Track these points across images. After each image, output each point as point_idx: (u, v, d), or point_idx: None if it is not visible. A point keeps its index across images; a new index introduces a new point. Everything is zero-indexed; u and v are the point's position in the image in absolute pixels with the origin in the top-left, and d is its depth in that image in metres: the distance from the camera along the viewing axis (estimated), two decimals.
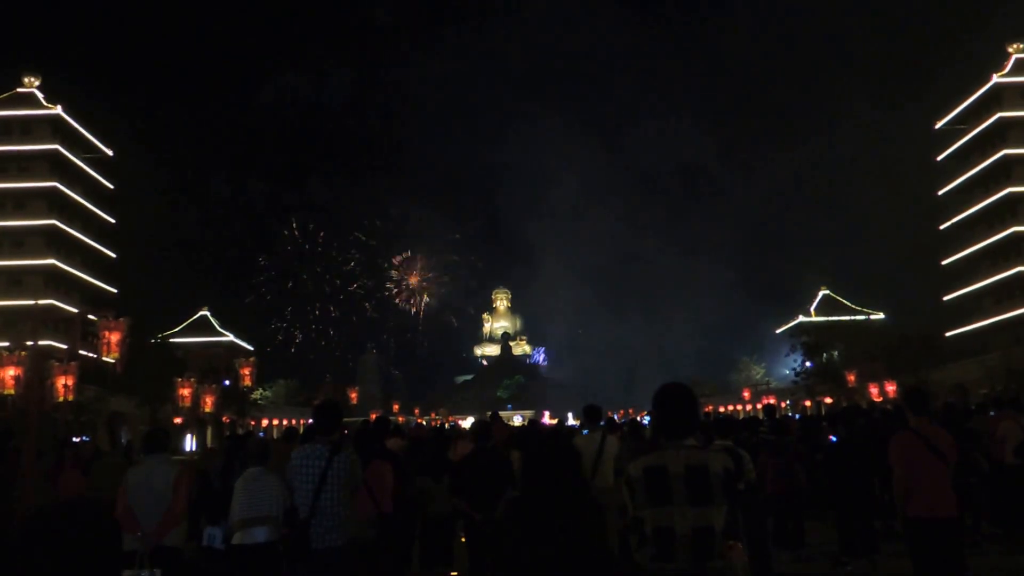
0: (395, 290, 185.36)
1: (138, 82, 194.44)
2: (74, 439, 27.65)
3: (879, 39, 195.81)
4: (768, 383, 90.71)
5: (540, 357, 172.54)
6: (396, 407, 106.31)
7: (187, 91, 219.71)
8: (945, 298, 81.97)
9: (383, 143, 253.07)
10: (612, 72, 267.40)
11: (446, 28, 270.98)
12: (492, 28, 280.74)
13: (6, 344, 31.16)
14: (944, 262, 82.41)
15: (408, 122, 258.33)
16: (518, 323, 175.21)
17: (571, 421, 49.80)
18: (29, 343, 25.25)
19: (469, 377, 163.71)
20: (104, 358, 24.12)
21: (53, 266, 72.40)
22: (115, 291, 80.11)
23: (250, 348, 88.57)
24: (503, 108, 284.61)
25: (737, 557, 4.68)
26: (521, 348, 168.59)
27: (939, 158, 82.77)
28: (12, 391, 26.58)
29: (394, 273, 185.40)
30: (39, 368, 24.32)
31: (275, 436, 50.22)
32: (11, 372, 26.66)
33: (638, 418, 32.82)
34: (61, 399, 27.36)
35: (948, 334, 76.90)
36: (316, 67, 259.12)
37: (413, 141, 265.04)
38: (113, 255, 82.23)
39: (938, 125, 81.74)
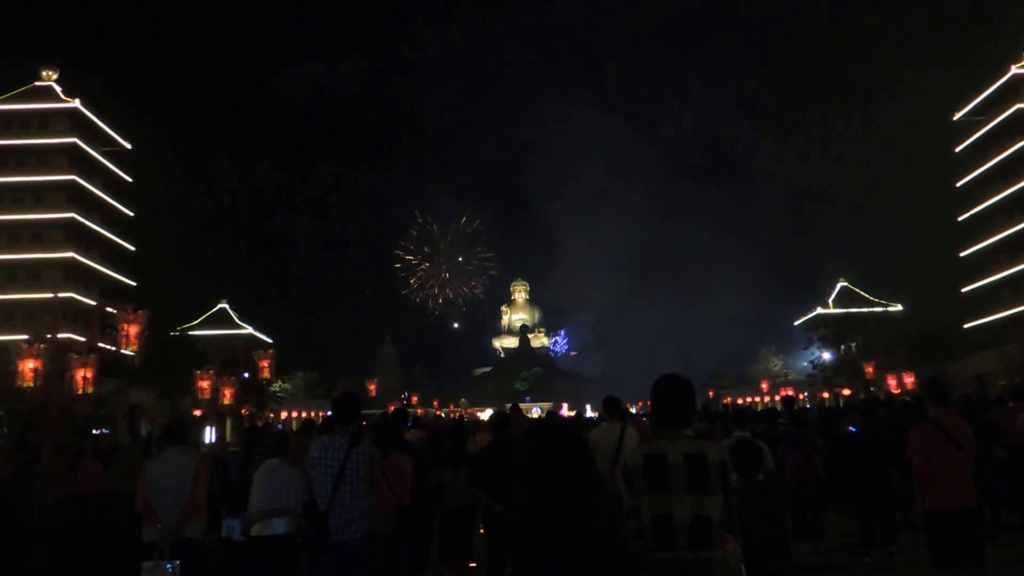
0: (419, 268, 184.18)
1: (154, 73, 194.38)
2: (94, 431, 27.80)
3: (903, 25, 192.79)
4: (786, 375, 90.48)
5: (560, 344, 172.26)
6: (415, 399, 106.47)
7: (201, 81, 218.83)
8: (964, 290, 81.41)
9: (399, 128, 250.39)
10: (639, 46, 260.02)
11: (463, 3, 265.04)
12: (512, 2, 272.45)
13: (26, 337, 31.30)
14: (963, 254, 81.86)
15: (425, 105, 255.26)
16: (536, 315, 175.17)
17: (589, 413, 49.74)
18: (49, 336, 25.38)
19: (488, 369, 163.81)
20: (123, 351, 24.25)
21: (72, 259, 72.74)
22: (134, 284, 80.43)
23: (269, 340, 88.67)
24: (524, 86, 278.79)
25: (731, 550, 4.71)
26: (539, 340, 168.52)
27: (958, 149, 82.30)
28: (32, 384, 26.65)
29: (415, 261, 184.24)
30: (59, 361, 24.44)
31: (294, 428, 50.28)
32: (31, 365, 26.70)
33: None
34: (80, 392, 27.47)
35: (966, 326, 76.42)
36: (330, 51, 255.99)
37: (430, 125, 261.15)
38: (132, 248, 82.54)
39: (957, 116, 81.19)
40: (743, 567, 4.83)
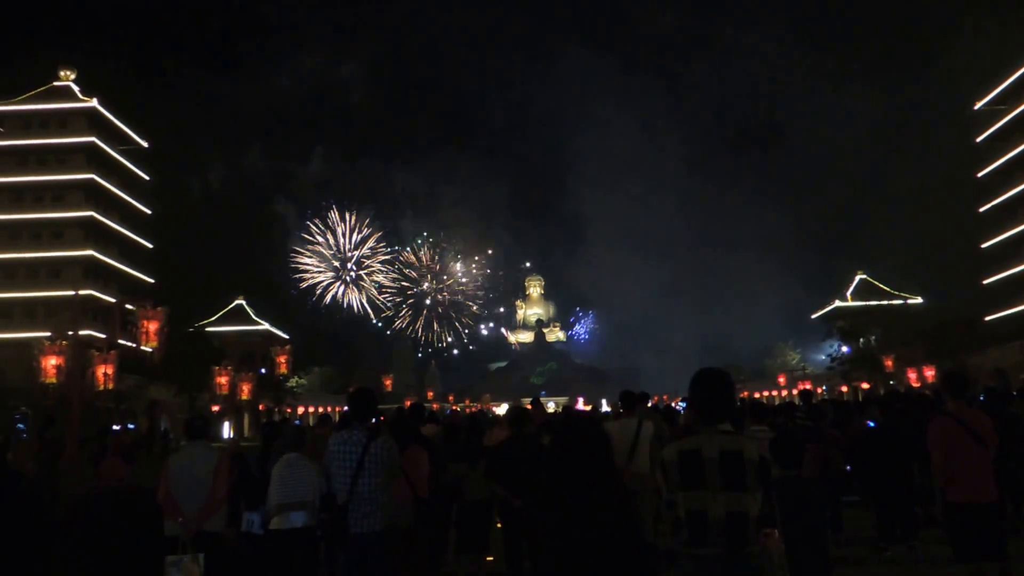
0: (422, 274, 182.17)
1: (167, 69, 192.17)
2: (114, 426, 27.99)
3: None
4: (804, 369, 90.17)
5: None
6: (430, 394, 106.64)
7: (210, 79, 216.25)
8: (984, 282, 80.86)
9: (407, 110, 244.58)
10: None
11: None
12: None
13: (48, 334, 31.55)
14: (984, 245, 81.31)
15: (434, 77, 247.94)
16: (551, 310, 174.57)
17: (605, 408, 49.68)
18: (70, 333, 25.58)
19: (503, 364, 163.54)
20: (143, 347, 24.46)
21: (92, 257, 73.35)
22: (152, 281, 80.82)
23: (286, 336, 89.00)
24: (543, 47, 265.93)
25: (773, 544, 4.69)
26: (555, 335, 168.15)
27: (978, 139, 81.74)
28: (54, 380, 26.90)
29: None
30: (80, 357, 24.67)
31: (311, 423, 50.37)
32: (53, 362, 26.96)
33: (673, 404, 32.71)
34: (101, 388, 27.69)
35: (987, 318, 75.82)
36: (335, 40, 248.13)
37: (439, 100, 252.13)
38: (150, 245, 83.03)
39: (978, 106, 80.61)
40: (785, 562, 4.80)
